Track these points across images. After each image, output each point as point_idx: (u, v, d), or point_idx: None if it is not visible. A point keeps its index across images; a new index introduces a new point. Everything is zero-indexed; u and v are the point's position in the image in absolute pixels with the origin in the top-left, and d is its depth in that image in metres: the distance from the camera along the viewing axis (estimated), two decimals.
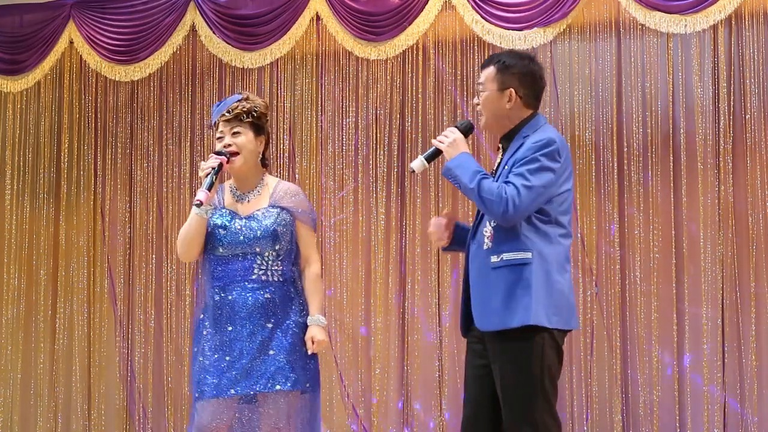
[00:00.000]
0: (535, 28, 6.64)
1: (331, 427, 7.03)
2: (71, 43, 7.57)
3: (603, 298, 6.58)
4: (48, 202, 7.71)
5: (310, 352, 4.23)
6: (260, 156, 4.36)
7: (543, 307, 3.78)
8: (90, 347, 7.57)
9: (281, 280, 4.26)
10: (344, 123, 7.17)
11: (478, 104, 4.01)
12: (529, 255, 3.83)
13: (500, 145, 4.04)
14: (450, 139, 3.93)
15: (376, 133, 7.10)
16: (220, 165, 4.19)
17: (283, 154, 7.26)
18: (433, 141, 3.98)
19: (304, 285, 4.33)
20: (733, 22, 6.50)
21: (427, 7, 6.86)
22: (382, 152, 7.05)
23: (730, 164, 6.45)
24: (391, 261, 7.02)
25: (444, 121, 6.93)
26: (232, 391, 4.14)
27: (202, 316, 4.30)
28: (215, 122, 4.33)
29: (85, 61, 7.57)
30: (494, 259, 3.84)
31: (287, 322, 4.23)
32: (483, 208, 3.85)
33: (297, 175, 7.21)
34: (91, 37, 7.47)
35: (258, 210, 4.28)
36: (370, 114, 7.11)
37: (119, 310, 7.52)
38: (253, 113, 4.30)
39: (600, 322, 6.57)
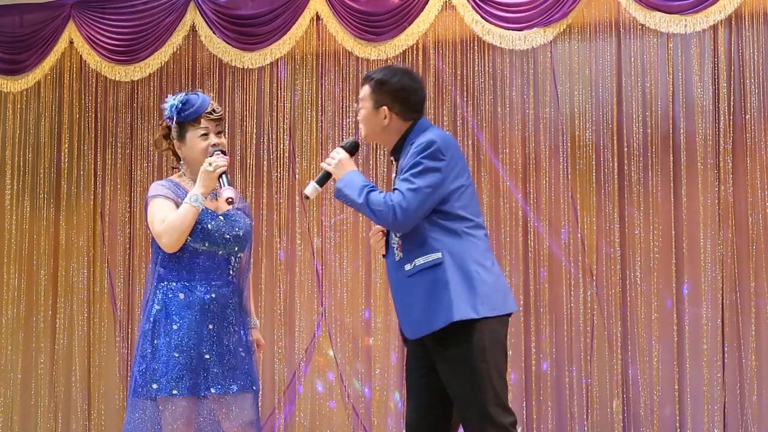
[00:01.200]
0: (535, 28, 6.64)
1: (331, 427, 7.03)
2: (71, 43, 7.57)
3: (603, 298, 6.58)
4: (48, 202, 7.71)
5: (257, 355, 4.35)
6: None
7: (465, 301, 3.81)
8: (90, 347, 7.57)
9: (241, 284, 4.31)
10: (344, 123, 7.17)
11: (359, 120, 4.09)
12: (438, 255, 3.86)
13: (392, 159, 4.09)
14: (335, 161, 3.99)
15: None
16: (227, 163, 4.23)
17: (283, 154, 7.26)
18: (322, 164, 4.04)
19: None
20: (733, 23, 6.51)
21: (427, 7, 6.85)
22: (381, 152, 7.05)
23: (730, 164, 6.45)
24: None
25: (444, 121, 6.93)
26: (213, 390, 4.12)
27: (158, 307, 4.21)
28: (197, 117, 4.27)
29: (85, 61, 7.56)
30: (408, 267, 3.88)
31: (246, 324, 4.30)
32: (375, 220, 3.90)
33: (297, 175, 7.21)
34: (91, 37, 7.47)
35: (228, 211, 4.27)
36: None
37: (119, 310, 7.52)
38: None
39: (600, 323, 6.57)
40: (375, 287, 7.03)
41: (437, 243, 3.87)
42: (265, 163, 7.29)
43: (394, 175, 4.04)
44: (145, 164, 7.55)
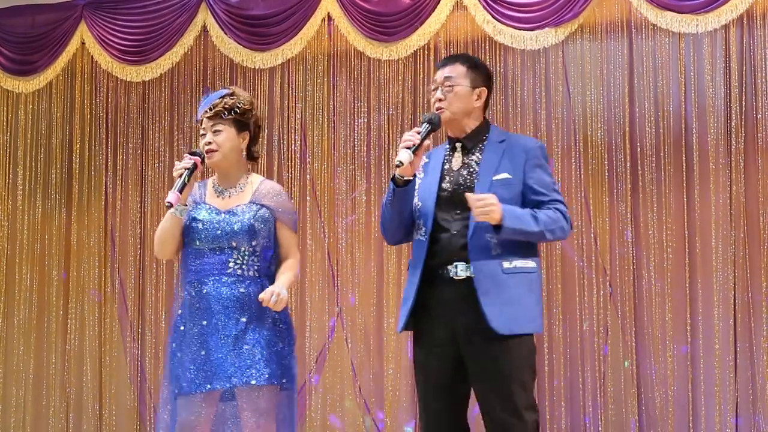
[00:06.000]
0: (547, 28, 6.63)
1: (345, 427, 7.03)
2: (83, 43, 7.58)
3: (617, 299, 6.58)
4: (60, 202, 7.72)
5: (262, 302, 4.12)
6: (244, 152, 4.35)
7: (541, 314, 3.98)
8: (101, 348, 7.58)
9: (257, 275, 4.25)
10: (356, 124, 7.17)
11: (442, 99, 4.01)
12: (534, 264, 3.95)
13: (455, 145, 4.07)
14: (495, 205, 3.79)
15: (388, 133, 7.10)
16: (194, 165, 4.18)
17: (295, 155, 7.27)
18: (478, 205, 3.78)
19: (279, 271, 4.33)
20: (745, 22, 6.49)
21: (438, 7, 6.85)
22: (394, 153, 7.04)
23: (742, 164, 6.44)
24: (403, 262, 7.00)
25: None
26: (208, 386, 4.12)
27: (180, 311, 4.28)
28: (200, 119, 4.32)
29: (97, 61, 7.57)
30: (506, 264, 3.88)
31: (263, 316, 4.21)
32: (542, 241, 3.98)
33: (308, 176, 7.21)
34: (103, 38, 7.47)
35: (238, 205, 4.27)
36: (382, 114, 7.11)
37: (130, 311, 7.52)
38: (236, 110, 4.28)
39: (614, 323, 6.57)
40: (387, 288, 7.02)
41: (533, 251, 3.96)
42: (276, 163, 7.29)
43: (458, 162, 4.01)
44: (157, 164, 7.55)
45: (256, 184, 4.36)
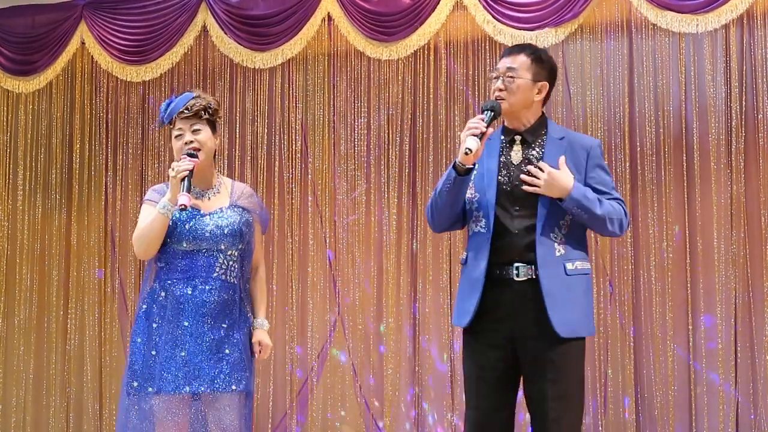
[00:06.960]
0: (547, 28, 6.63)
1: (345, 427, 7.03)
2: (83, 43, 7.58)
3: (617, 298, 6.58)
4: (60, 202, 7.73)
5: (257, 357, 4.33)
6: (215, 152, 4.42)
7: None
8: (101, 348, 7.58)
9: (236, 282, 4.31)
10: (356, 123, 7.17)
11: (503, 89, 3.99)
12: (590, 267, 3.99)
13: (512, 138, 4.05)
14: (568, 173, 3.85)
15: (388, 133, 7.09)
16: (193, 167, 4.18)
17: (296, 155, 7.27)
18: (537, 174, 3.84)
19: (253, 286, 4.43)
20: (745, 22, 6.49)
21: (438, 7, 6.86)
22: (394, 153, 7.05)
23: (743, 164, 6.44)
24: (403, 261, 7.02)
25: (456, 121, 6.92)
26: (188, 389, 4.15)
27: (145, 306, 4.28)
28: (171, 120, 4.31)
29: (97, 61, 7.57)
30: (570, 266, 3.89)
31: (240, 323, 4.28)
32: (601, 228, 3.93)
33: (309, 176, 7.21)
34: (103, 38, 7.48)
35: (220, 208, 4.31)
36: (381, 114, 7.11)
37: (130, 310, 7.52)
38: (209, 110, 4.33)
39: (614, 322, 6.57)
40: (387, 288, 7.02)
41: (587, 253, 3.98)
42: (276, 163, 7.29)
43: (518, 155, 4.01)
44: (157, 165, 7.56)
45: (229, 185, 4.42)
